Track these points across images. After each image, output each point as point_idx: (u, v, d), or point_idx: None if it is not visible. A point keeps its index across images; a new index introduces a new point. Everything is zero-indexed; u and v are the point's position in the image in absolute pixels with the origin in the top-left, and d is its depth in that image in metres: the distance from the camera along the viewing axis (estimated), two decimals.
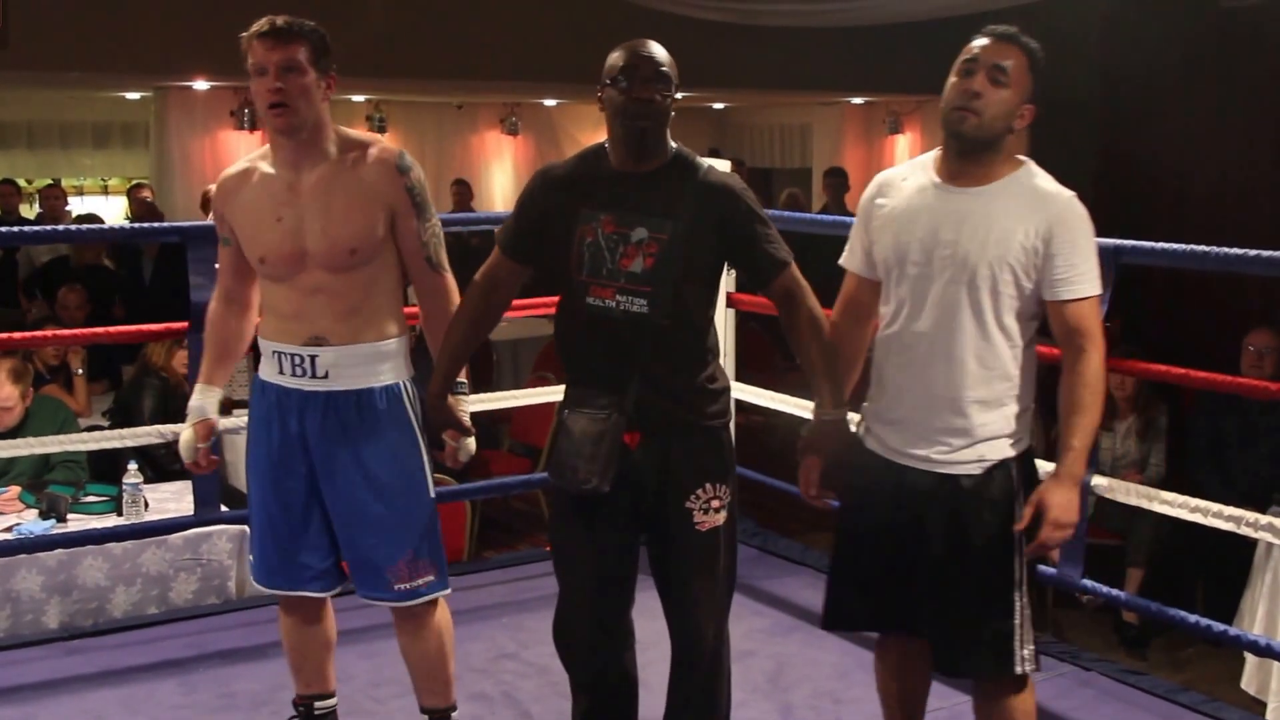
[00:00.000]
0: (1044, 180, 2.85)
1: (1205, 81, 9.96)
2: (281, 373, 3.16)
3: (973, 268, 2.78)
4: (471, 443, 3.27)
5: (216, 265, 3.39)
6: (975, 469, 2.85)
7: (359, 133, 3.23)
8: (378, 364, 3.16)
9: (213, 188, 9.25)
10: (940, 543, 2.87)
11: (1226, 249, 3.66)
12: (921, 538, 2.89)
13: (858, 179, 11.89)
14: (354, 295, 3.11)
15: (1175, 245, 3.80)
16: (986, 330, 2.81)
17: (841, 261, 3.09)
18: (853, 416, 3.03)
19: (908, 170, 2.97)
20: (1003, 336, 2.82)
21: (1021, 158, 2.89)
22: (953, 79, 2.81)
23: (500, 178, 12.90)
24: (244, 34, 3.05)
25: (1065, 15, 9.31)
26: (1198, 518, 3.80)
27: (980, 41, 2.81)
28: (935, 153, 2.94)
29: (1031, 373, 2.89)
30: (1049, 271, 2.78)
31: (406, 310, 3.28)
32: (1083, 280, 2.80)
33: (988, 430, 2.84)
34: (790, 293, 2.94)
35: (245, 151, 9.75)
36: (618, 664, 3.12)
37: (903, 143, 13.27)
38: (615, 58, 2.86)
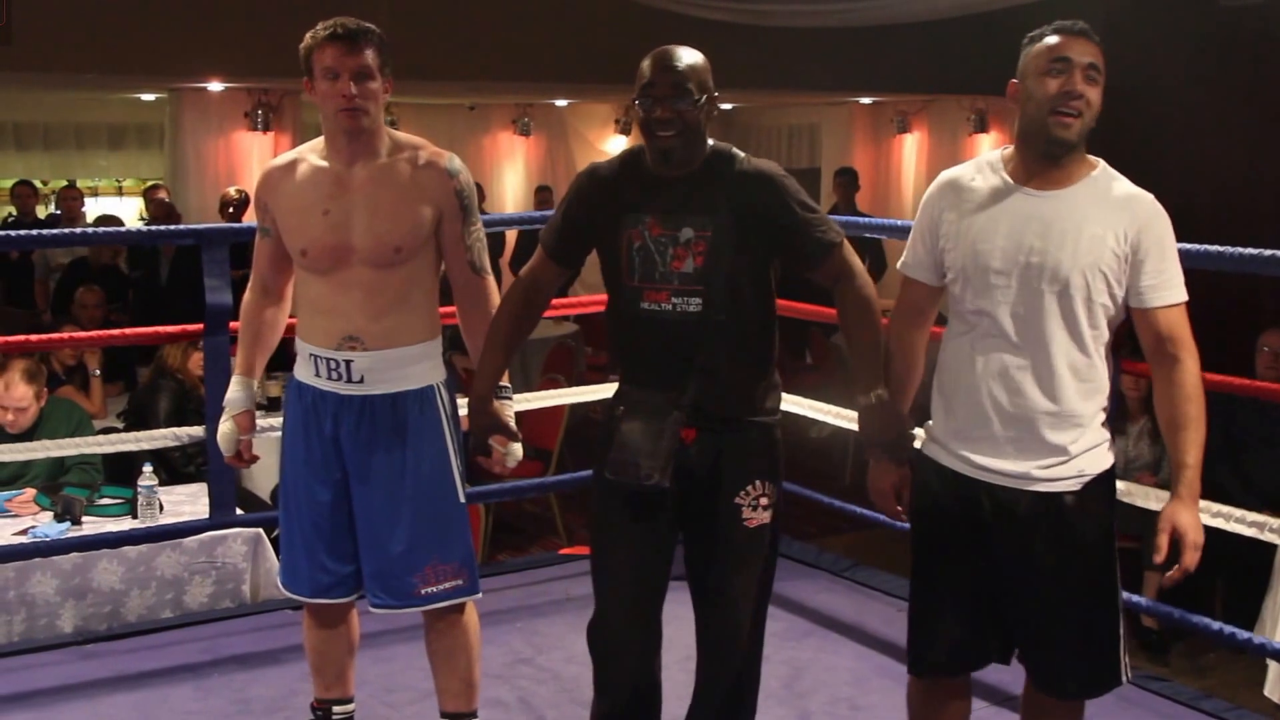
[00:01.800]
0: (1124, 181, 2.75)
1: (1208, 82, 9.95)
2: (317, 375, 3.17)
3: (1065, 276, 2.67)
4: (519, 448, 3.25)
5: (234, 272, 3.39)
6: (1075, 485, 2.75)
7: (409, 135, 3.24)
8: (412, 367, 3.17)
9: (232, 190, 9.32)
10: (1042, 562, 2.76)
11: (1241, 249, 3.62)
12: (1018, 559, 2.78)
13: (867, 179, 11.89)
14: (392, 293, 3.12)
15: (1189, 245, 3.73)
16: (1081, 340, 2.71)
17: (901, 267, 2.95)
18: (917, 432, 2.95)
19: (975, 171, 2.83)
20: (1095, 346, 2.73)
21: (1094, 157, 2.78)
22: (1039, 78, 2.68)
23: (512, 178, 12.90)
24: (310, 35, 3.05)
25: (1069, 15, 9.28)
26: (1219, 523, 3.76)
27: (1063, 39, 2.69)
28: (1002, 152, 2.82)
29: (1108, 379, 2.80)
30: (1138, 278, 2.69)
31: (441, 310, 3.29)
32: (1172, 286, 2.71)
33: (1085, 442, 2.74)
34: (839, 275, 2.91)
35: (259, 153, 9.91)
36: (649, 666, 3.10)
37: (910, 142, 13.27)
38: (641, 69, 2.84)
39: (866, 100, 13.13)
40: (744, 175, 2.88)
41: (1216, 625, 3.82)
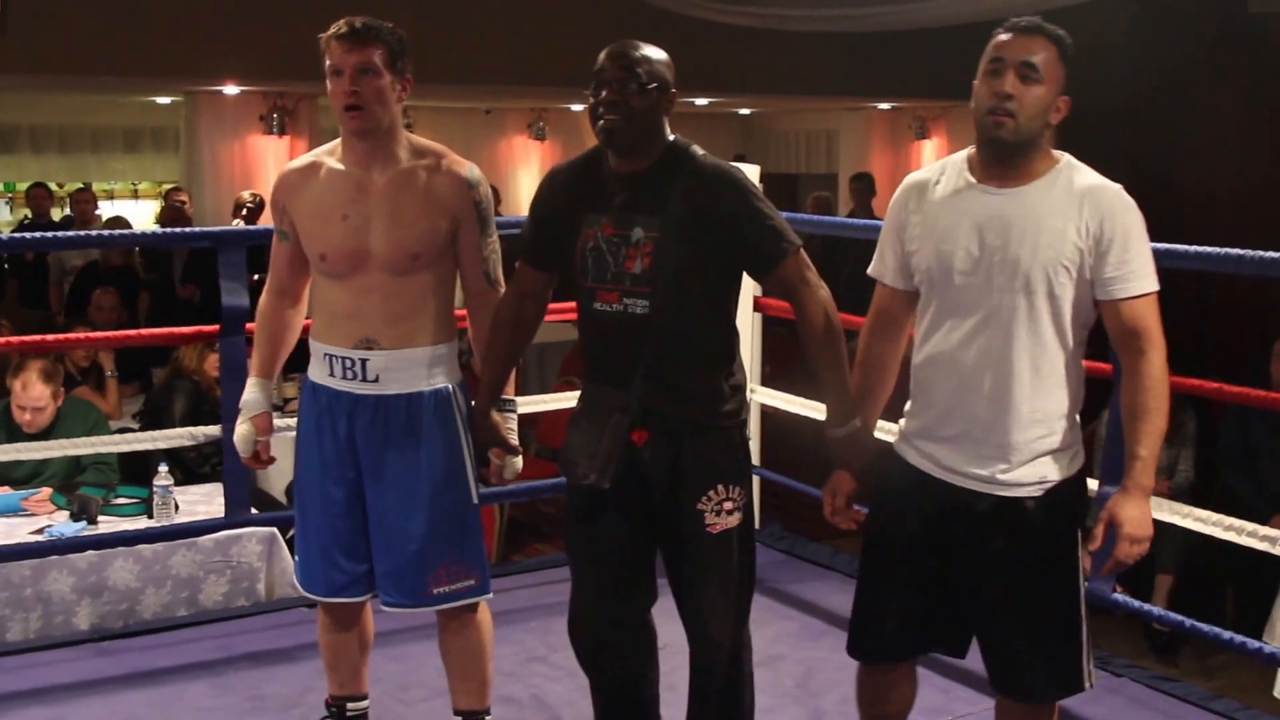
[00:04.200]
0: (1088, 174, 2.69)
1: (1233, 86, 9.93)
2: (332, 375, 3.18)
3: (1026, 272, 2.64)
4: (518, 461, 3.27)
5: (254, 276, 3.39)
6: (1037, 490, 2.72)
7: (429, 141, 3.24)
8: (428, 368, 3.17)
9: (246, 194, 9.30)
10: (1003, 565, 2.74)
11: (1263, 253, 3.58)
12: (978, 560, 2.76)
13: (884, 184, 11.89)
14: (409, 299, 3.13)
15: (1210, 249, 3.70)
16: (1043, 338, 2.67)
17: (871, 272, 2.93)
18: (888, 426, 2.92)
19: (938, 172, 2.81)
20: (1059, 343, 2.68)
21: (1059, 152, 2.73)
22: (981, 79, 2.66)
23: (527, 182, 12.92)
24: (322, 34, 3.06)
25: (1091, 21, 9.27)
26: (1232, 536, 3.74)
27: (1005, 37, 2.66)
28: (967, 152, 2.79)
29: (1082, 379, 2.77)
30: (1101, 270, 2.63)
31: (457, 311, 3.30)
32: (1137, 277, 2.64)
33: (1047, 444, 2.71)
34: (791, 286, 2.87)
35: (275, 156, 9.93)
36: (632, 666, 3.12)
37: (929, 148, 13.27)
38: (597, 59, 2.84)
39: (885, 105, 13.13)
40: (699, 174, 2.85)
41: (1227, 635, 3.78)
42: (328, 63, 3.05)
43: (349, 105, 3.03)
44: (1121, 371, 2.74)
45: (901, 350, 2.95)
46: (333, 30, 3.05)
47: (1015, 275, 2.65)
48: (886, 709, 3.00)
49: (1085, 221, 2.63)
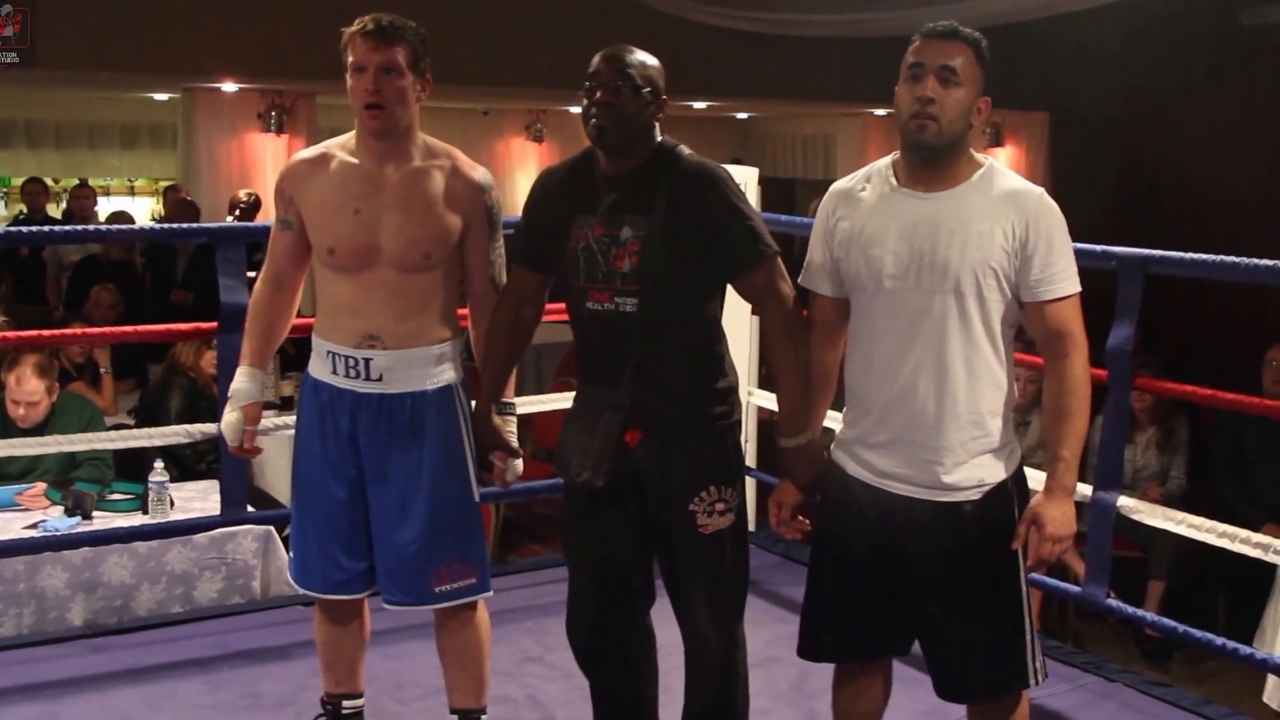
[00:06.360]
0: (1012, 178, 2.75)
1: (1227, 95, 9.98)
2: (334, 373, 3.17)
3: (955, 275, 2.67)
4: (519, 464, 3.29)
5: (250, 274, 3.38)
6: (975, 494, 2.74)
7: (441, 143, 3.24)
8: (431, 366, 3.17)
9: (242, 193, 9.29)
10: (943, 570, 2.77)
11: (1257, 260, 3.61)
12: (919, 566, 2.79)
13: None
14: (415, 297, 3.13)
15: (1204, 256, 3.73)
16: (974, 339, 2.71)
17: (802, 282, 2.94)
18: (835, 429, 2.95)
19: (863, 179, 2.84)
20: (990, 344, 2.72)
21: (983, 156, 2.79)
22: (901, 85, 2.71)
23: (525, 184, 12.81)
24: (345, 29, 3.05)
25: (1089, 30, 9.31)
26: (1225, 543, 3.76)
27: (920, 43, 2.71)
28: (891, 158, 2.82)
29: (1013, 378, 2.80)
30: (1027, 273, 2.68)
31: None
32: (1060, 279, 2.70)
33: (983, 444, 2.74)
34: (760, 291, 2.91)
35: (272, 154, 9.91)
36: (631, 667, 3.13)
37: None
38: (591, 63, 2.87)
39: (881, 112, 13.12)
40: (683, 172, 2.88)
41: (1220, 641, 3.80)
42: (350, 59, 3.04)
43: (370, 104, 3.03)
44: (1046, 372, 2.78)
45: (838, 357, 2.97)
46: (357, 26, 3.04)
47: (945, 277, 2.69)
48: (858, 706, 3.02)
49: (1011, 224, 2.68)
